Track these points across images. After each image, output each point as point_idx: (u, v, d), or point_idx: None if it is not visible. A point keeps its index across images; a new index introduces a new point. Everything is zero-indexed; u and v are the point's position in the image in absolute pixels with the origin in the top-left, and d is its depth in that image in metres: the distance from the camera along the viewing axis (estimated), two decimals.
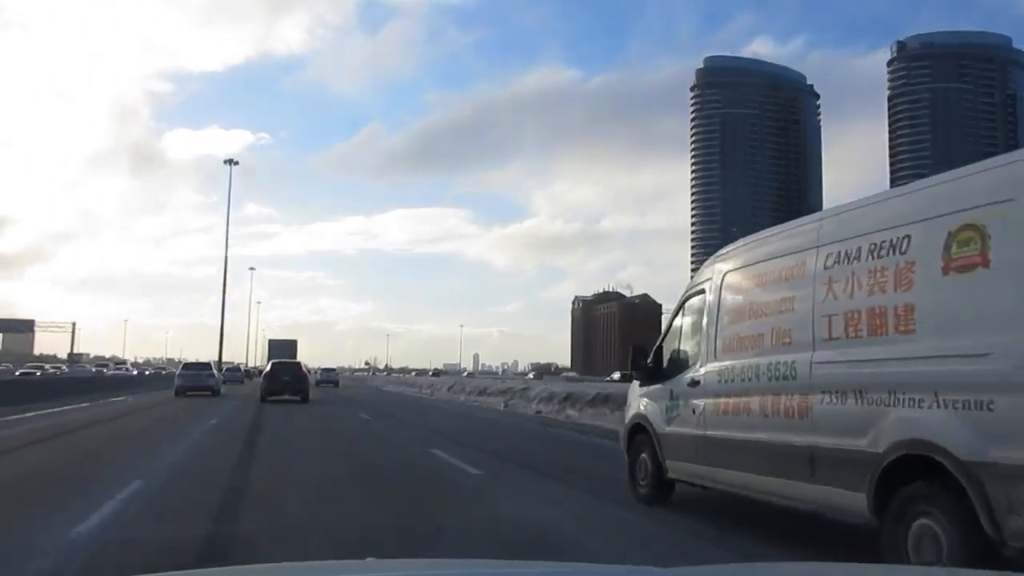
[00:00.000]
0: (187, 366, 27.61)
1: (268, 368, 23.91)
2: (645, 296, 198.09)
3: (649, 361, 6.49)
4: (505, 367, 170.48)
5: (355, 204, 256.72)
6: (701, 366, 5.61)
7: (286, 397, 21.85)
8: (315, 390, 30.73)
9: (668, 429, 5.99)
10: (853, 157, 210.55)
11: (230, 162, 46.88)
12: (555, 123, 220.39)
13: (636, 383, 6.90)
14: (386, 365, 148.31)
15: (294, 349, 49.43)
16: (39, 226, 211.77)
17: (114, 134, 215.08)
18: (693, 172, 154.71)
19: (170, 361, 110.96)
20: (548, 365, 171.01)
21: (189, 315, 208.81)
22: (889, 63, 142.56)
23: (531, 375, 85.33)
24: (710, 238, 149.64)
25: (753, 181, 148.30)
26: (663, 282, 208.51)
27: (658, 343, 6.60)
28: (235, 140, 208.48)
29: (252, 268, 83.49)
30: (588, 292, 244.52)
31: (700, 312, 5.90)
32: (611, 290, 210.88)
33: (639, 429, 6.54)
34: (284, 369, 22.85)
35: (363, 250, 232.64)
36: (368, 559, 3.46)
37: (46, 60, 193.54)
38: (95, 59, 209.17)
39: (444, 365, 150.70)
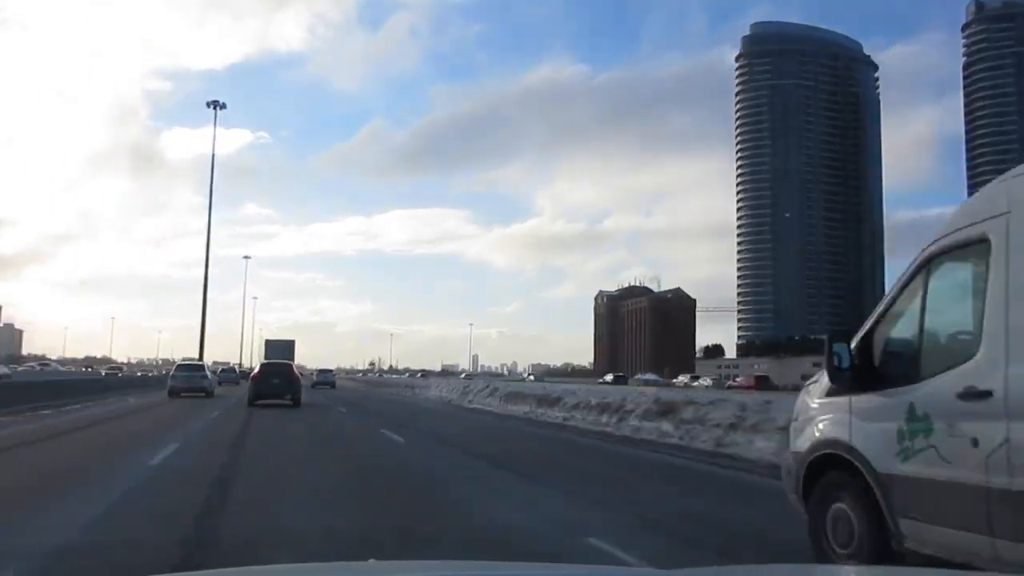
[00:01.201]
0: (180, 367, 28.47)
1: (256, 370, 23.62)
2: (678, 290, 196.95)
3: (852, 355, 4.40)
4: (506, 368, 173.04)
5: (355, 204, 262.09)
6: (992, 364, 3.47)
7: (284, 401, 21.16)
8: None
9: (905, 469, 3.86)
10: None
11: (215, 104, 42.63)
12: (559, 120, 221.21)
13: (814, 388, 4.80)
14: (391, 366, 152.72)
15: (291, 349, 49.36)
16: (37, 226, 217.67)
17: (112, 133, 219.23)
18: (739, 150, 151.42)
19: (165, 362, 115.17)
20: (565, 366, 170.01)
21: (188, 316, 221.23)
22: (964, 27, 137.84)
23: (531, 376, 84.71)
24: (759, 221, 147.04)
25: (807, 159, 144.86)
26: (670, 281, 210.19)
27: (867, 328, 4.45)
28: (234, 139, 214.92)
29: (247, 256, 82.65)
30: (591, 292, 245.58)
31: (977, 274, 3.82)
32: (637, 284, 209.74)
33: (831, 462, 4.45)
34: (273, 371, 22.44)
35: (363, 251, 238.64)
36: (370, 560, 3.55)
37: (45, 59, 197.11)
38: (94, 58, 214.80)
39: (443, 366, 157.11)
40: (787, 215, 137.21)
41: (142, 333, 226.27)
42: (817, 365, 5.15)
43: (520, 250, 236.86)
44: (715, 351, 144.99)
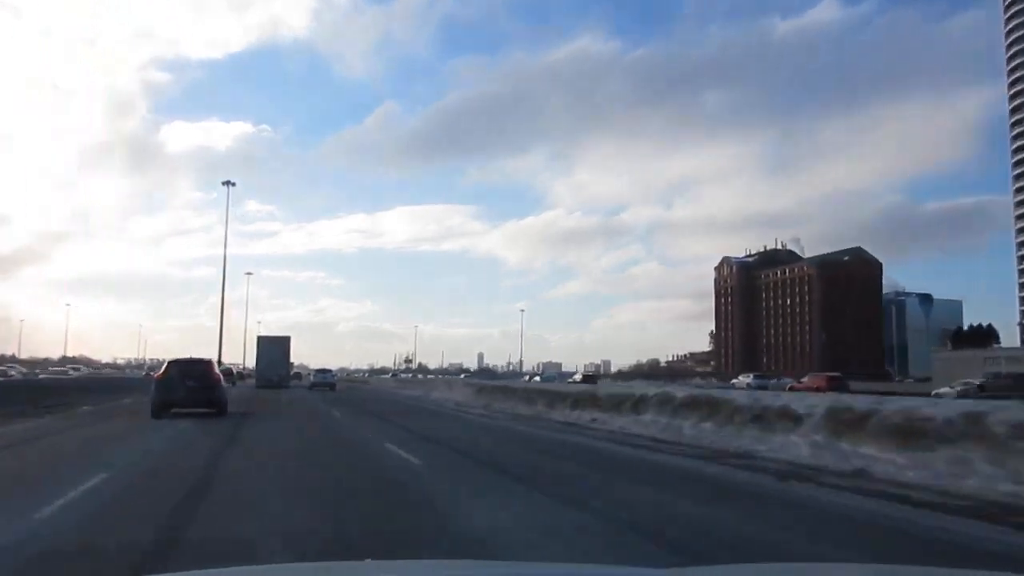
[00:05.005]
0: None
1: (162, 370, 20.76)
2: (858, 251, 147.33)
3: None
4: (511, 367, 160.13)
5: (357, 200, 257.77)
6: None
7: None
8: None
9: None
10: None
11: None
12: (586, 102, 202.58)
13: None
14: (419, 364, 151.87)
15: (287, 346, 51.17)
16: (32, 224, 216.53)
17: (110, 127, 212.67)
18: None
19: (160, 362, 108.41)
20: (650, 363, 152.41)
21: (187, 316, 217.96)
22: None
23: (537, 377, 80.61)
24: None
25: None
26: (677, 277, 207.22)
27: None
28: (235, 132, 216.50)
29: (228, 182, 69.04)
30: (602, 289, 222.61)
31: None
32: (781, 247, 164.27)
33: None
34: (185, 371, 19.81)
35: (365, 248, 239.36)
36: (367, 560, 4.09)
37: (39, 49, 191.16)
38: (91, 48, 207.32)
39: (448, 364, 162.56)
40: None
41: (141, 332, 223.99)
42: None
43: (530, 246, 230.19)
44: (978, 336, 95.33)
